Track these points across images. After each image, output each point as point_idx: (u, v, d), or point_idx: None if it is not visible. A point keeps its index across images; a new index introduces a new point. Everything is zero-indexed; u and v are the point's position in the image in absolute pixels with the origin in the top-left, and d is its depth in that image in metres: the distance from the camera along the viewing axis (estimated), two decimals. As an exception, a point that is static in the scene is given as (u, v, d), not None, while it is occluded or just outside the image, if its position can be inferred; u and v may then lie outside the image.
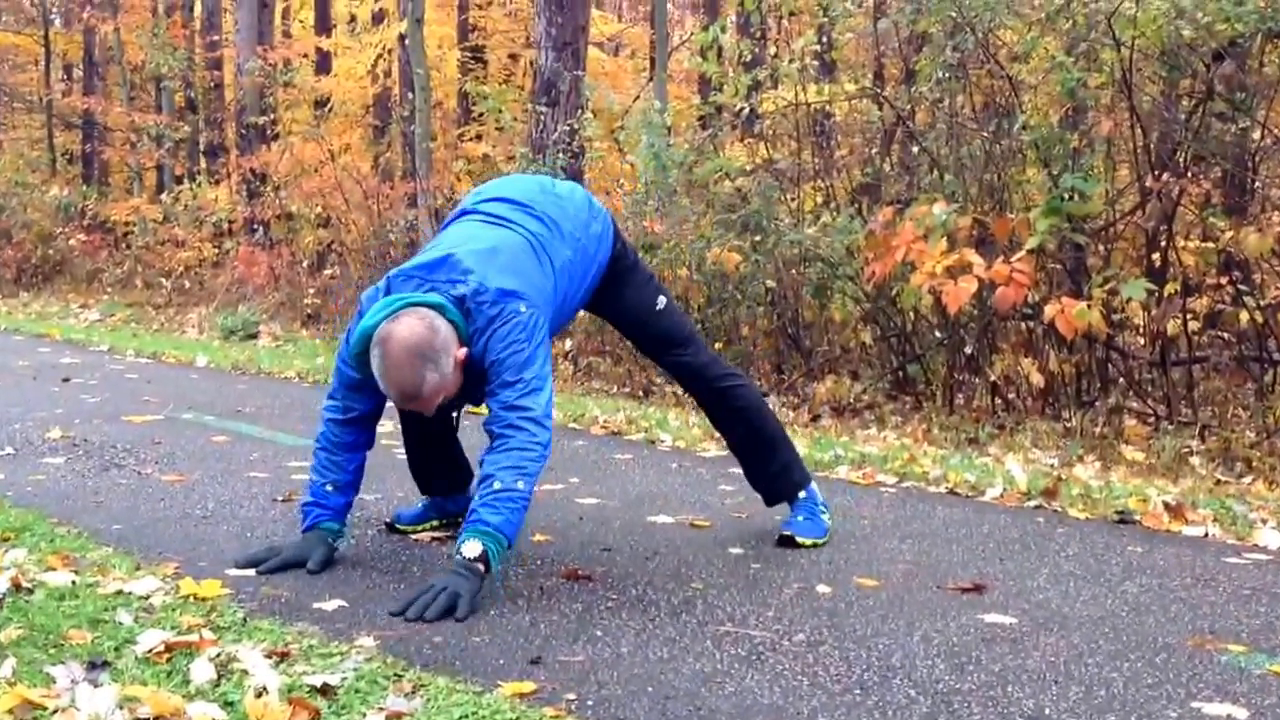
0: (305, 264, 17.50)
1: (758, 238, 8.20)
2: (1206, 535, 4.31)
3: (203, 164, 22.75)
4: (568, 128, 11.72)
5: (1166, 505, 4.57)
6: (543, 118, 12.28)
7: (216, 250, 19.84)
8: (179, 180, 22.12)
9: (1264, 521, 4.42)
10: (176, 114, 22.52)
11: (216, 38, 21.56)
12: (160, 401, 7.67)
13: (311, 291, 16.26)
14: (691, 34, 24.68)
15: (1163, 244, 6.74)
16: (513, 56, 19.93)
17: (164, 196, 21.19)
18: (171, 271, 19.65)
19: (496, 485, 3.19)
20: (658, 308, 3.88)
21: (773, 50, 10.71)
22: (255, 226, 18.32)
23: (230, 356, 11.27)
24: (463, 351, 3.27)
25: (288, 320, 15.90)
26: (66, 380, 8.82)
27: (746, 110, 9.07)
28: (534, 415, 3.25)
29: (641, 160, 9.32)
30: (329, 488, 3.60)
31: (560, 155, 11.27)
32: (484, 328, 3.30)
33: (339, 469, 3.61)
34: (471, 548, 3.15)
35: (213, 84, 22.06)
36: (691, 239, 8.56)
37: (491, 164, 16.69)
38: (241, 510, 4.42)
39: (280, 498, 4.65)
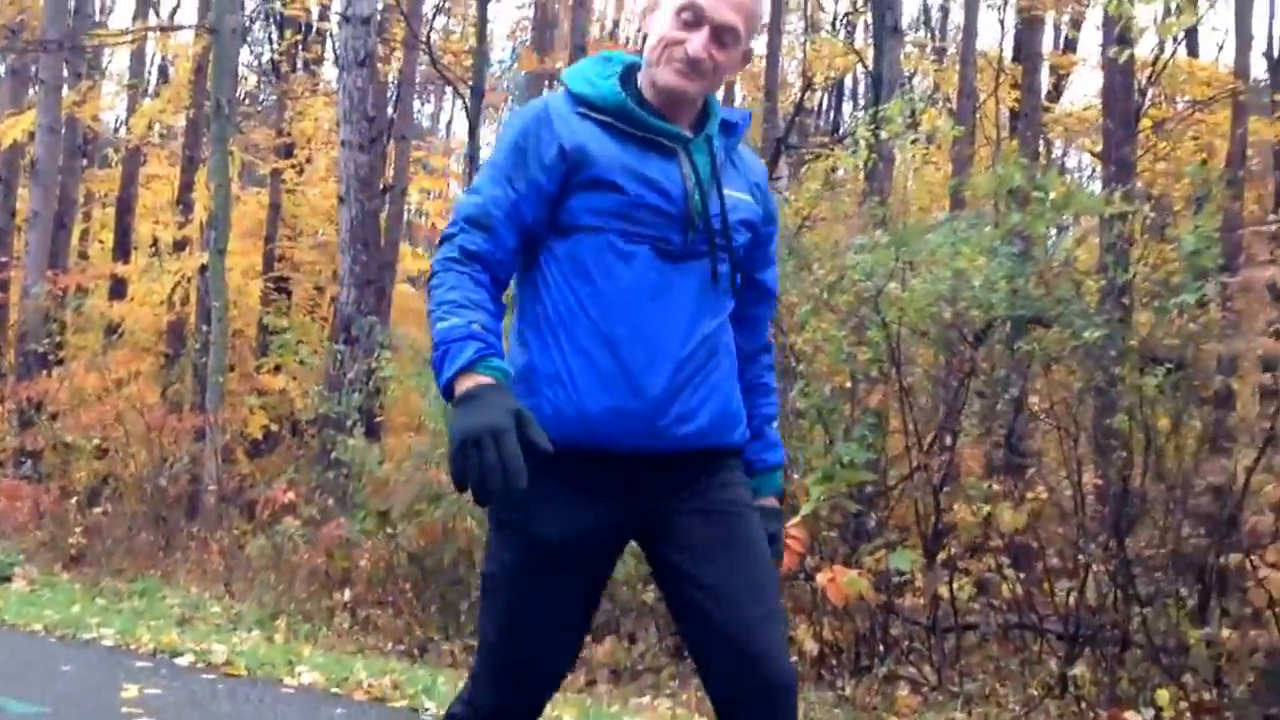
0: (75, 500, 17.29)
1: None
2: None
3: (-24, 390, 22.43)
4: (365, 366, 12.11)
5: None
6: (340, 355, 12.71)
7: None
8: None
9: None
10: (-48, 336, 22.29)
11: (4, 259, 21.63)
12: None
13: (79, 530, 15.99)
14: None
15: (935, 512, 7.39)
16: (319, 288, 20.48)
17: None
18: None
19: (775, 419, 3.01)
20: None
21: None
22: (23, 459, 18.09)
23: None
24: (751, 50, 2.96)
25: (48, 562, 15.52)
26: None
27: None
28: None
29: (431, 408, 9.78)
30: (475, 326, 2.59)
31: (356, 394, 11.67)
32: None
33: (477, 307, 2.65)
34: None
35: (-1, 305, 21.99)
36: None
37: (287, 399, 17.00)
38: None
39: None
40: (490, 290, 2.69)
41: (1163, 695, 5.87)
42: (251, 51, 23.66)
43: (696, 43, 2.71)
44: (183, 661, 7.92)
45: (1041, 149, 17.38)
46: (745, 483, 2.81)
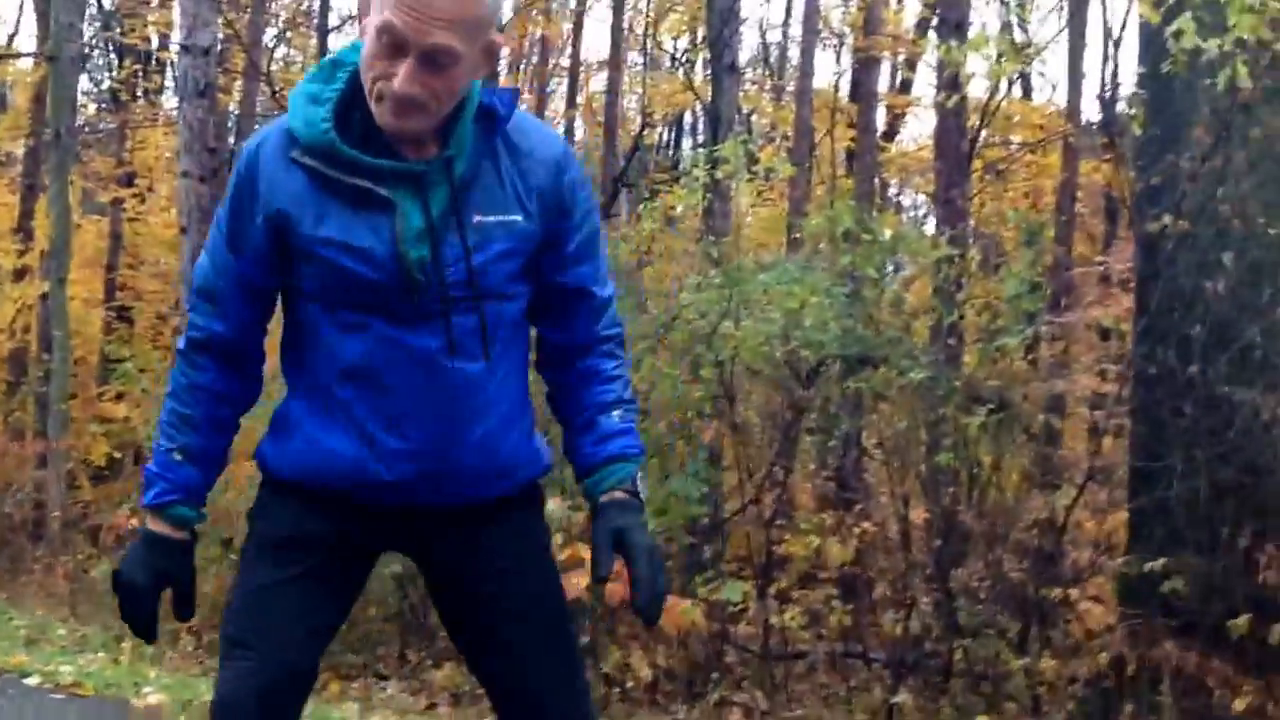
0: (-83, 526, 16.89)
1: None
2: None
3: None
4: (209, 397, 11.96)
5: None
6: (183, 385, 12.52)
7: None
8: None
9: None
10: None
11: None
12: None
13: None
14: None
15: (767, 545, 7.45)
16: (161, 317, 20.22)
17: None
18: None
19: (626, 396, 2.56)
20: None
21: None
22: None
23: None
24: (499, 38, 2.39)
25: None
26: None
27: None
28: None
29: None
30: (176, 455, 2.50)
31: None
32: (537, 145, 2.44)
33: (190, 427, 2.50)
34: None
35: None
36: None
37: (130, 426, 16.71)
38: None
39: None
40: (211, 389, 2.48)
41: (982, 721, 5.97)
42: (91, 79, 23.21)
43: (401, 79, 2.22)
44: (31, 681, 7.84)
45: (876, 188, 17.63)
46: (534, 514, 2.59)
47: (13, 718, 6.38)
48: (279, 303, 2.53)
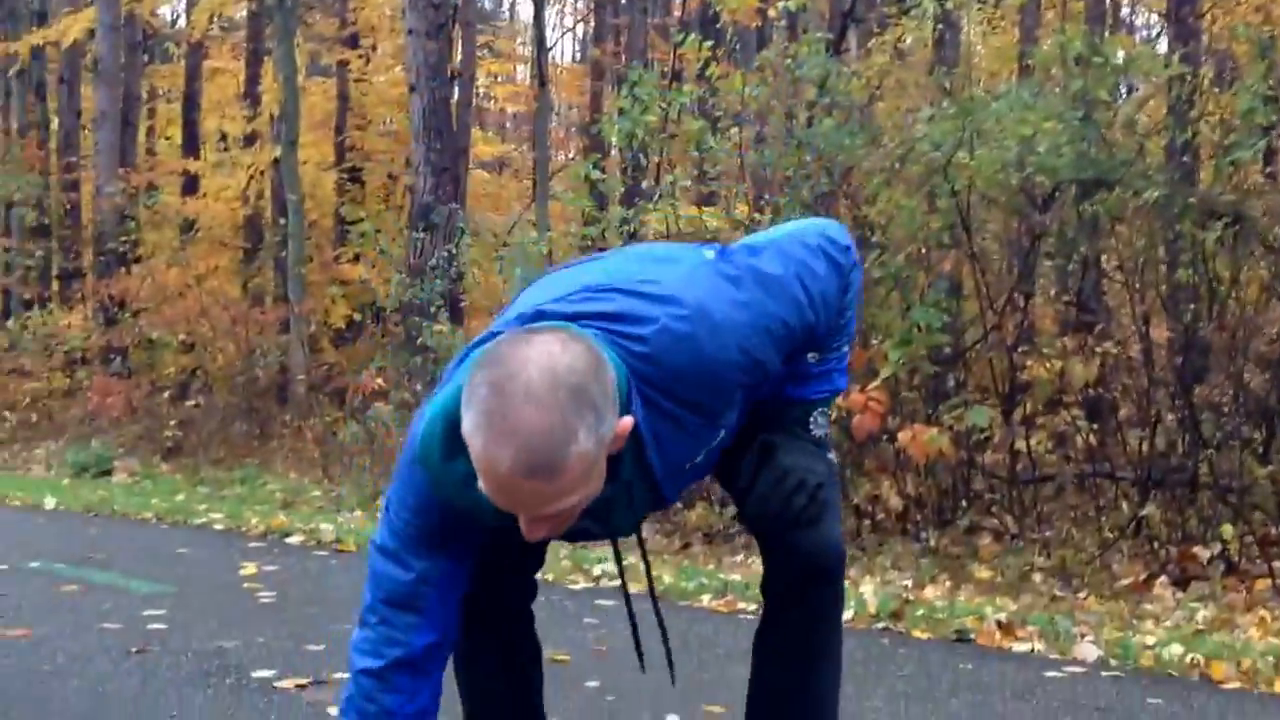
0: (167, 394, 18.00)
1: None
2: (1032, 651, 5.07)
3: (55, 289, 23.17)
4: (446, 253, 12.66)
5: (999, 623, 5.41)
6: (420, 242, 13.26)
7: (68, 380, 20.18)
8: (27, 305, 22.50)
9: (1082, 636, 5.21)
10: (27, 237, 22.99)
11: (74, 159, 22.16)
12: (3, 550, 7.79)
13: (173, 423, 16.70)
14: (574, 157, 26.04)
15: (1010, 371, 7.94)
16: (392, 177, 20.93)
17: (10, 323, 21.55)
18: (16, 404, 20.00)
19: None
20: None
21: (649, 182, 11.90)
22: (112, 355, 18.70)
23: (81, 497, 11.49)
24: (626, 421, 2.05)
25: (146, 454, 16.24)
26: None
27: (626, 239, 10.17)
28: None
29: (515, 292, 10.32)
30: None
31: (438, 280, 12.28)
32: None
33: None
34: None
35: (68, 206, 22.58)
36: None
37: (368, 288, 17.59)
38: (92, 665, 4.44)
39: (134, 649, 4.69)
40: (412, 691, 2.30)
41: (1227, 530, 6.43)
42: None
43: (524, 529, 2.04)
44: (293, 541, 8.65)
45: (1108, 9, 17.51)
46: None
47: (282, 576, 6.95)
48: None
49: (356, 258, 18.83)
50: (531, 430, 1.89)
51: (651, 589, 2.69)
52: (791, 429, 2.41)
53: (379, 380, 12.59)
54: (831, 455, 2.51)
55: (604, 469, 2.04)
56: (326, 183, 20.51)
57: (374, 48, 21.25)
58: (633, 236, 10.00)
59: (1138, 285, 7.36)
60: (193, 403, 17.50)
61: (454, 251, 12.63)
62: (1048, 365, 7.70)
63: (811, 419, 2.43)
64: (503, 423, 1.90)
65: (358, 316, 18.84)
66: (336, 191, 20.51)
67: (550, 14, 21.98)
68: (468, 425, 1.94)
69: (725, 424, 2.31)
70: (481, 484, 1.96)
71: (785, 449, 2.37)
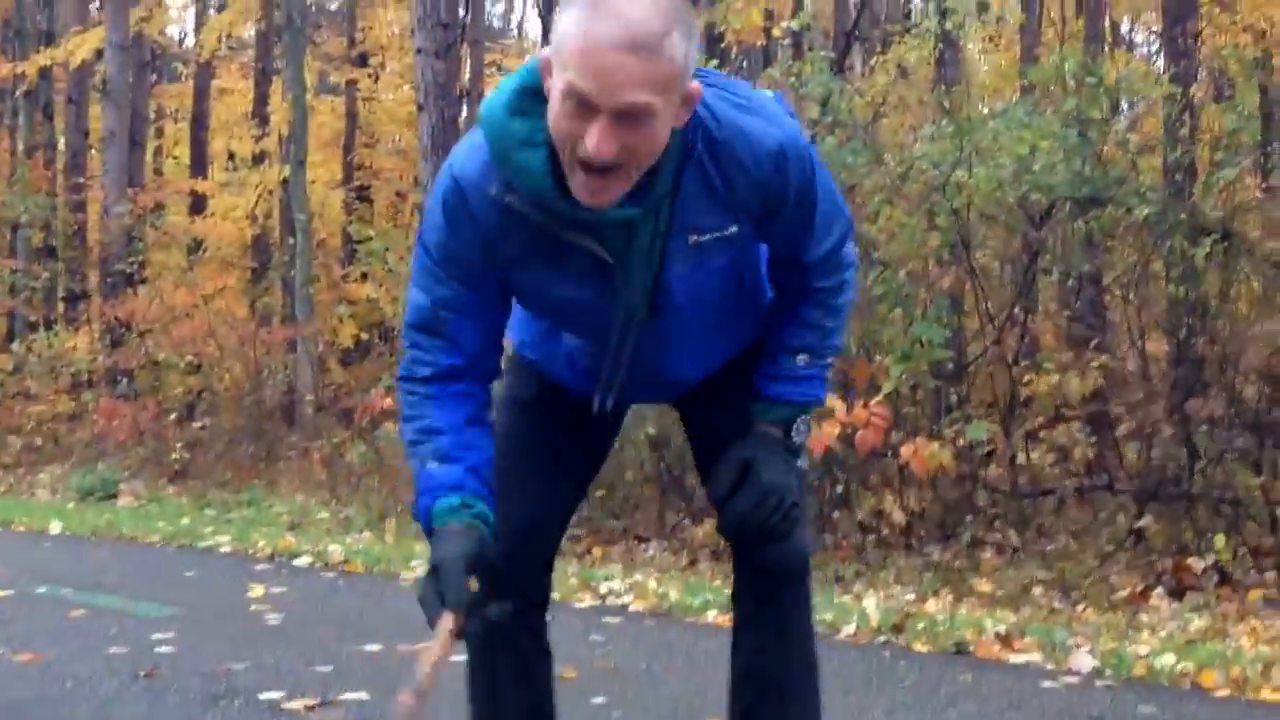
0: (173, 416, 18.13)
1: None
2: (1029, 662, 5.22)
3: (60, 311, 23.27)
4: (455, 272, 12.82)
5: (998, 635, 5.59)
6: (429, 261, 13.44)
7: (74, 403, 20.27)
8: (32, 328, 22.57)
9: (1078, 646, 5.36)
10: (33, 259, 23.13)
11: (81, 179, 22.30)
12: (10, 574, 7.77)
13: (179, 445, 16.78)
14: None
15: (1010, 385, 8.20)
16: (400, 195, 21.19)
17: (15, 345, 21.63)
18: (21, 428, 20.10)
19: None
20: None
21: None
22: (119, 377, 18.72)
23: (88, 521, 11.53)
24: (698, 85, 2.28)
25: (152, 477, 16.20)
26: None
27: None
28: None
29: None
30: (431, 464, 2.50)
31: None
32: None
33: (435, 435, 2.52)
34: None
35: (75, 227, 22.72)
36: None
37: (376, 307, 17.78)
38: (101, 689, 4.55)
39: (142, 673, 4.79)
40: (451, 420, 2.51)
41: (1219, 540, 6.67)
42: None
43: (595, 139, 2.17)
44: (301, 562, 8.70)
45: (1106, 27, 17.82)
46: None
47: (290, 597, 7.01)
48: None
49: (364, 276, 19.00)
50: (634, 14, 2.12)
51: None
52: (771, 434, 2.61)
53: (387, 400, 12.69)
54: (803, 462, 2.71)
55: (678, 113, 2.25)
56: (335, 201, 20.75)
57: (382, 66, 21.52)
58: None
59: (1134, 300, 7.62)
60: (199, 424, 17.54)
61: (462, 270, 12.76)
62: (1048, 380, 7.95)
63: (795, 425, 2.63)
64: (608, 6, 2.13)
65: (365, 336, 19.02)
66: (345, 210, 20.74)
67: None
68: (570, 17, 2.18)
69: (736, 228, 2.44)
70: (573, 70, 2.15)
71: (764, 465, 2.57)
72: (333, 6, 22.41)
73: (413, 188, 18.77)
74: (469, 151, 2.41)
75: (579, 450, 2.81)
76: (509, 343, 2.73)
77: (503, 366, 2.70)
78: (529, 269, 2.44)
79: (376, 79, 21.15)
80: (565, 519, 2.82)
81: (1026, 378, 8.03)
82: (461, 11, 18.77)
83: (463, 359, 2.51)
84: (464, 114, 17.22)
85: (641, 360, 2.57)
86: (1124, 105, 8.82)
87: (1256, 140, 6.82)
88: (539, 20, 19.29)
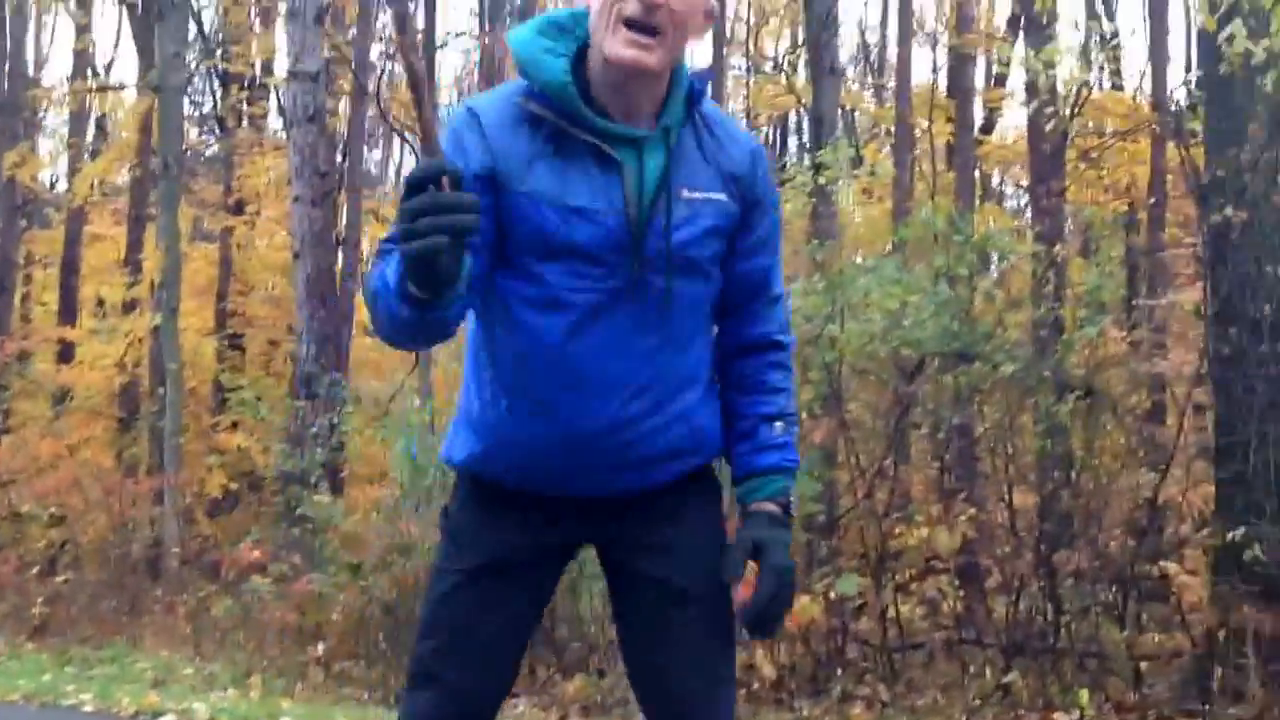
0: (35, 569, 17.74)
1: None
2: None
3: (-83, 462, 22.75)
4: (328, 421, 12.83)
5: None
6: (301, 411, 13.42)
7: None
8: None
9: None
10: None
11: (-55, 326, 21.99)
12: None
13: (40, 600, 16.45)
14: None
15: (881, 538, 8.32)
16: (273, 343, 21.11)
17: None
18: None
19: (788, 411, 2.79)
20: None
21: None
22: None
23: None
24: (715, 6, 2.65)
25: (12, 633, 16.01)
26: None
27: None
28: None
29: (397, 462, 10.54)
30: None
31: (319, 449, 12.45)
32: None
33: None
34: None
35: (-66, 377, 22.33)
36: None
37: (246, 456, 17.61)
38: None
39: None
40: None
41: (1083, 696, 6.81)
42: (192, 103, 24.37)
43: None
44: None
45: (976, 180, 18.51)
46: (711, 500, 2.78)
47: None
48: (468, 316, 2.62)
49: (235, 425, 18.88)
50: None
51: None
52: (773, 511, 2.67)
53: (255, 553, 12.59)
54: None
55: (699, 22, 2.54)
56: (207, 349, 20.61)
57: (258, 213, 21.55)
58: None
59: (1002, 454, 7.83)
60: (61, 578, 17.21)
61: (335, 421, 12.80)
62: (918, 532, 8.09)
63: (792, 497, 2.73)
64: None
65: (234, 486, 18.68)
66: (216, 358, 20.63)
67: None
68: None
69: (724, 197, 2.61)
70: None
71: (774, 548, 2.63)
72: (209, 152, 22.42)
73: (287, 335, 18.73)
74: (480, 96, 2.66)
75: (531, 616, 2.79)
76: (447, 469, 2.76)
77: (440, 523, 2.74)
78: (535, 172, 2.51)
79: (253, 225, 21.18)
80: (511, 682, 2.80)
81: (897, 530, 8.17)
82: (339, 158, 19.01)
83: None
84: (339, 262, 17.28)
85: (608, 348, 2.55)
86: (993, 260, 9.11)
87: (1119, 297, 7.11)
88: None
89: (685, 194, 2.56)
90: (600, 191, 2.51)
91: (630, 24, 2.44)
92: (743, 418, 2.74)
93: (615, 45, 2.45)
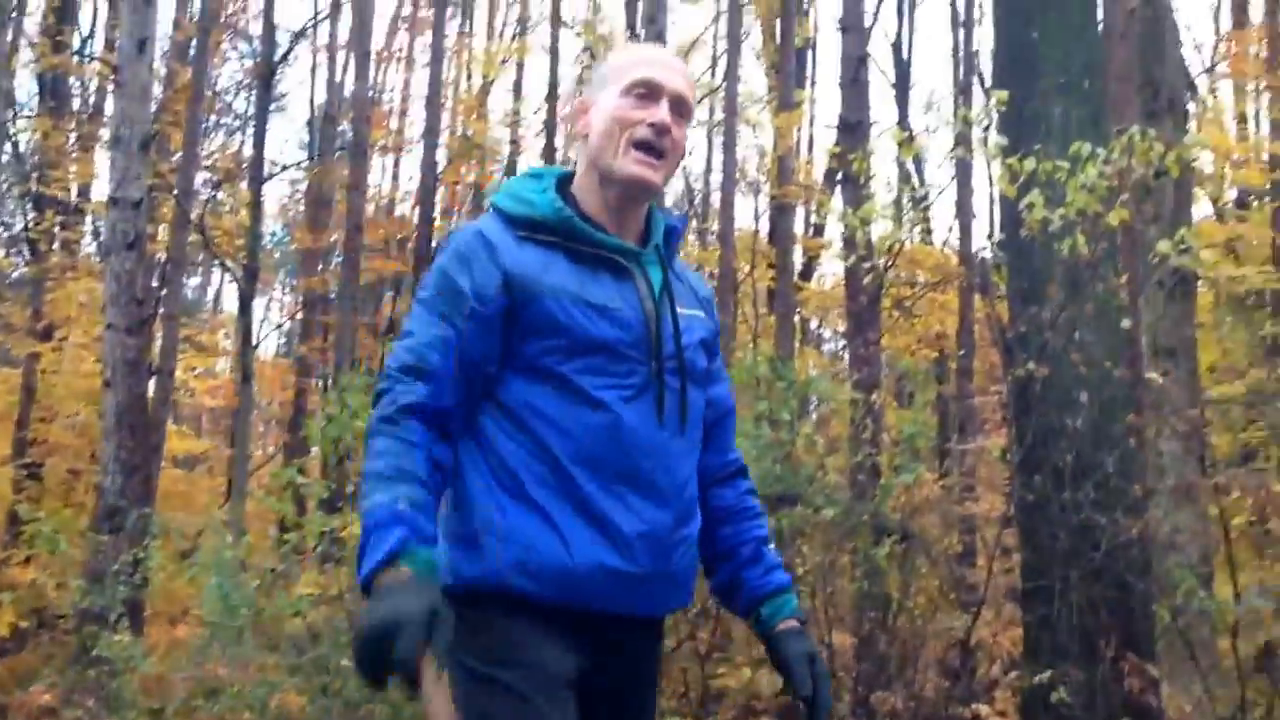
0: None
1: (329, 679, 9.36)
2: None
3: None
4: (132, 557, 12.58)
5: None
6: (103, 545, 13.15)
7: None
8: None
9: None
10: None
11: None
12: None
13: None
14: (274, 453, 26.16)
15: (703, 680, 8.49)
16: (73, 472, 20.65)
17: None
18: None
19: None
20: None
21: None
22: None
23: None
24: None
25: None
26: None
27: (329, 545, 10.30)
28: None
29: (206, 602, 10.36)
30: (402, 504, 2.52)
31: (121, 586, 12.19)
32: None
33: (410, 480, 2.57)
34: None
35: None
36: (254, 684, 9.53)
37: (40, 592, 17.14)
38: None
39: None
40: (428, 449, 2.60)
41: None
42: (2, 224, 23.99)
43: (661, 111, 2.83)
44: None
45: (797, 324, 19.22)
46: (657, 654, 2.96)
47: None
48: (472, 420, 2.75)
49: (29, 560, 18.34)
50: (673, 60, 2.90)
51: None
52: (800, 626, 2.99)
53: (46, 696, 12.27)
54: None
55: (680, 156, 2.91)
56: (3, 479, 20.09)
57: (65, 338, 21.16)
58: (335, 543, 10.12)
59: (822, 595, 8.10)
60: None
61: (141, 556, 12.55)
62: (739, 674, 8.29)
63: (798, 610, 3.02)
64: (651, 50, 3.03)
65: (24, 624, 18.14)
66: (13, 488, 20.09)
67: (256, 307, 22.41)
68: (613, 56, 2.99)
69: (704, 315, 2.97)
70: (636, 71, 2.86)
71: (818, 658, 2.94)
72: (14, 275, 22.02)
73: (90, 464, 18.33)
74: (468, 225, 2.83)
75: None
76: (479, 595, 2.66)
77: (455, 657, 2.59)
78: (552, 273, 2.74)
79: (60, 350, 20.78)
80: None
81: (720, 670, 8.35)
82: (156, 284, 18.83)
83: (442, 401, 2.67)
84: (151, 391, 17.08)
85: (648, 485, 2.70)
86: (813, 403, 9.47)
87: (931, 444, 7.50)
88: (236, 295, 19.40)
89: (680, 310, 2.86)
90: (616, 294, 2.77)
91: (639, 146, 2.81)
92: (742, 544, 2.99)
93: (627, 164, 2.81)
